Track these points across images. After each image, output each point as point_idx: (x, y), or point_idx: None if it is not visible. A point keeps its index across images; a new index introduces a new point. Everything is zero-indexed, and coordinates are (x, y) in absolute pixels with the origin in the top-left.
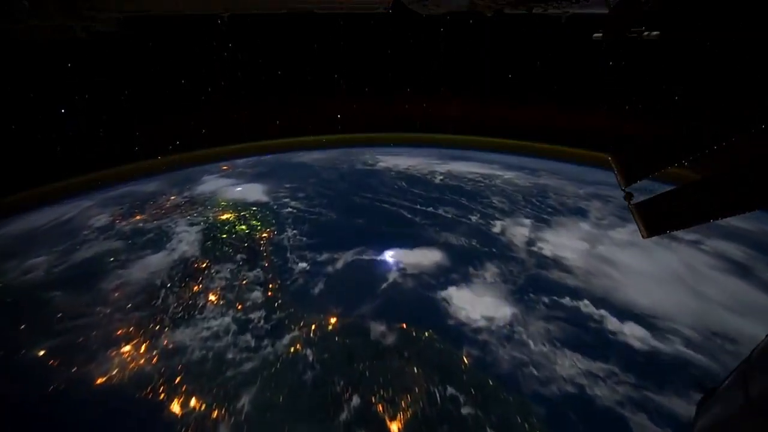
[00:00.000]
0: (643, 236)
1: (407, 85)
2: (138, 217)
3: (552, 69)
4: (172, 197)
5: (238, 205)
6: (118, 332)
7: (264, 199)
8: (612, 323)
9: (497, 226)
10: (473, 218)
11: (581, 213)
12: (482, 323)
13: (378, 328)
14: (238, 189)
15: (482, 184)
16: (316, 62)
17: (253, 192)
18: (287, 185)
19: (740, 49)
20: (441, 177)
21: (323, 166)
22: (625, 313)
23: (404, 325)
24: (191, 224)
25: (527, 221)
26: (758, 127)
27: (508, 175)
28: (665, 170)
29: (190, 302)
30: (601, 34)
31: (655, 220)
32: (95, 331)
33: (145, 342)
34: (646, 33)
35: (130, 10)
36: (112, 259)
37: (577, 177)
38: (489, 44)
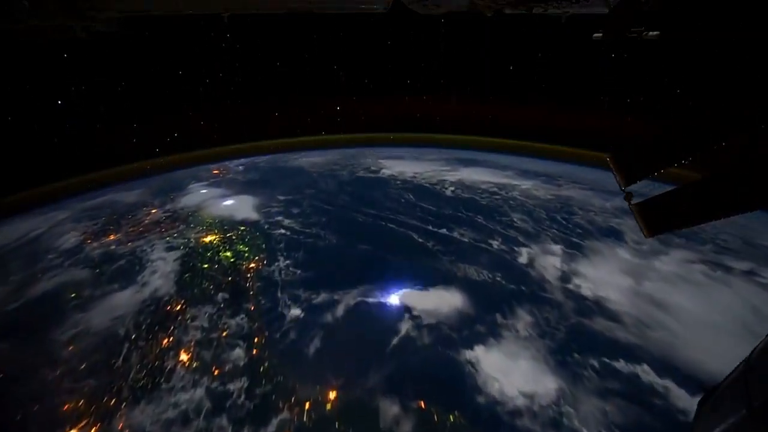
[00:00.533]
0: (645, 236)
1: (410, 85)
2: (111, 237)
3: (553, 68)
4: (153, 210)
5: (224, 224)
6: (65, 407)
7: (254, 216)
8: (682, 399)
9: (523, 255)
10: (494, 243)
11: (615, 235)
12: (521, 401)
13: (390, 409)
14: (227, 202)
15: (499, 197)
16: (316, 61)
17: (243, 206)
18: (281, 197)
19: (740, 49)
20: (452, 188)
21: (321, 173)
22: (695, 384)
23: (423, 404)
24: (169, 248)
25: (557, 247)
26: (758, 127)
27: (526, 184)
28: (665, 170)
29: (157, 363)
30: (601, 34)
31: (657, 220)
32: (37, 405)
33: (95, 425)
34: (646, 33)
35: (130, 9)
36: (73, 295)
37: (600, 185)
38: (489, 44)
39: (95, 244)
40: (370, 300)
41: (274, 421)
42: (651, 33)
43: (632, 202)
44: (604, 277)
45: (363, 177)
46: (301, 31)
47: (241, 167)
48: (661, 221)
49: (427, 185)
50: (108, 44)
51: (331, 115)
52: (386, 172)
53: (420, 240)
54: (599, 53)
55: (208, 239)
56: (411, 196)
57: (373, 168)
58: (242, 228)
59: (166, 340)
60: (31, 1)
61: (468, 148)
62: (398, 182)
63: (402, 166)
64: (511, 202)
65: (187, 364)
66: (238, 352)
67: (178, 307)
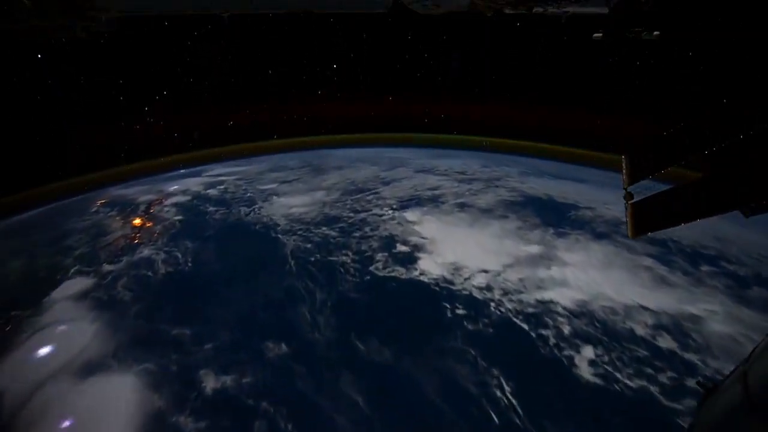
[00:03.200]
0: (629, 236)
1: (412, 85)
2: None
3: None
4: None
5: None
6: None
7: None
8: None
9: None
10: None
11: None
12: None
13: None
14: (91, 393)
15: None
16: (314, 62)
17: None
18: (211, 385)
19: (740, 49)
20: (586, 344)
21: (307, 255)
22: None
23: None
24: None
25: None
26: (758, 127)
27: (713, 314)
28: (665, 170)
29: None
30: (601, 34)
31: (644, 221)
32: None
33: None
34: (645, 33)
35: (131, 9)
36: None
37: None
38: (489, 44)
39: None
40: None
41: None
42: (650, 33)
43: (630, 202)
44: None
45: (386, 285)
46: (300, 31)
47: (179, 217)
48: (648, 222)
49: (525, 326)
50: (108, 44)
51: (331, 120)
52: (430, 269)
53: None
54: (599, 53)
55: None
56: (510, 397)
57: (400, 246)
58: None
59: None
60: (32, 1)
61: (521, 153)
62: (460, 312)
63: (452, 241)
64: None
65: None
66: None
67: None
